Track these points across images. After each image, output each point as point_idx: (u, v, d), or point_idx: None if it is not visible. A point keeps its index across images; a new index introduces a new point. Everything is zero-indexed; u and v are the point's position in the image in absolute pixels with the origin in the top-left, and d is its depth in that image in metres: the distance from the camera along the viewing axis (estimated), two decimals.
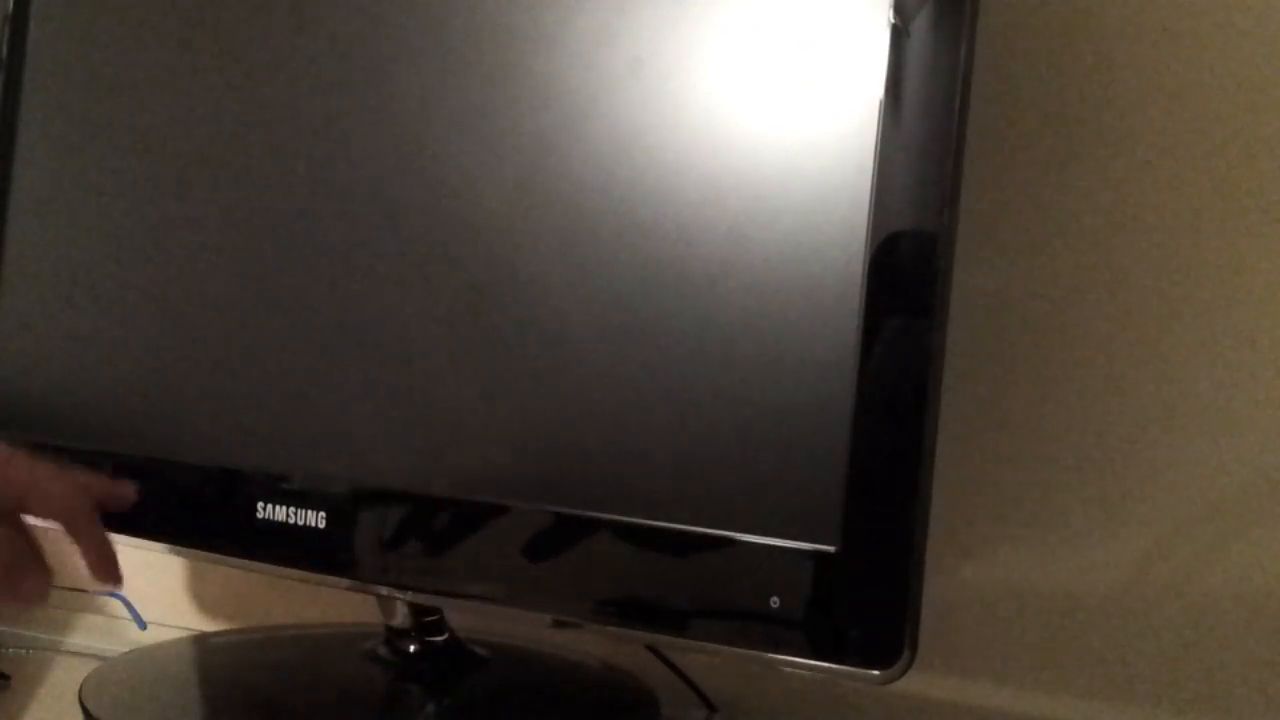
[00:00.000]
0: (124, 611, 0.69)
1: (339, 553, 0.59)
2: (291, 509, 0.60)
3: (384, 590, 0.59)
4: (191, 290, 0.64)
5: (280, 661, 0.68)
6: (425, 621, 0.63)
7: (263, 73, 0.63)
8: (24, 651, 0.74)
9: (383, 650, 0.64)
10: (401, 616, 0.63)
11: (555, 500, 0.54)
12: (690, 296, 0.51)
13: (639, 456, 0.52)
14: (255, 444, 0.62)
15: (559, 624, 0.55)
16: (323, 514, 0.59)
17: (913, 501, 0.47)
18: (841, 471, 0.48)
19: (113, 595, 0.73)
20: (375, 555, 0.59)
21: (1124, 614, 0.62)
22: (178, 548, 0.64)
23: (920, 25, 0.48)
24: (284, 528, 0.60)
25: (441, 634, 0.64)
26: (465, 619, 0.65)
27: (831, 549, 0.48)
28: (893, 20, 0.48)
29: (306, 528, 0.59)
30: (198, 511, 0.61)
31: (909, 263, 0.48)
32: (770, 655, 0.49)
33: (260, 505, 0.60)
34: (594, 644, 0.70)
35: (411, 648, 0.63)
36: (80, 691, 0.59)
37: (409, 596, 0.60)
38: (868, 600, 0.48)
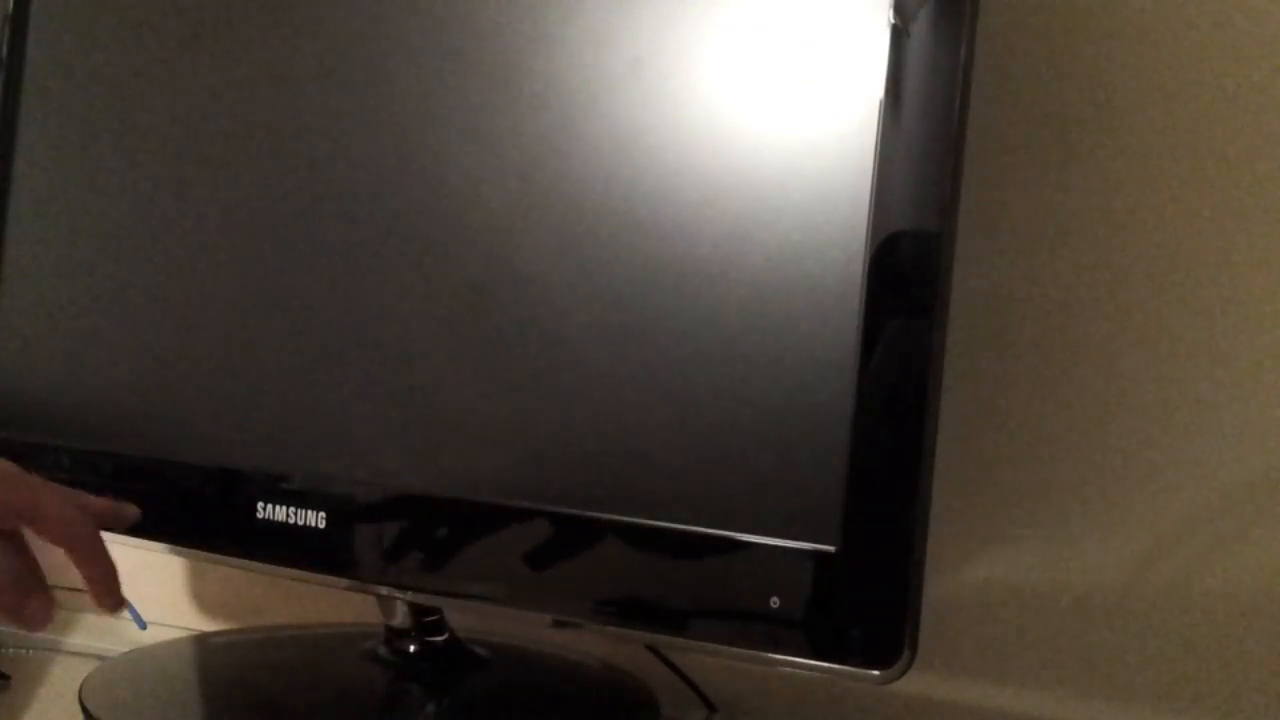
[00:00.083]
0: (124, 611, 0.69)
1: (339, 553, 0.59)
2: (291, 509, 0.60)
3: (384, 590, 0.59)
4: (192, 290, 0.64)
5: (280, 661, 0.68)
6: (425, 621, 0.63)
7: (263, 72, 0.63)
8: (24, 651, 0.74)
9: (383, 650, 0.64)
10: (401, 616, 0.63)
11: (555, 500, 0.54)
12: (690, 296, 0.51)
13: (639, 456, 0.52)
14: (255, 444, 0.62)
15: (559, 624, 0.55)
16: (323, 514, 0.59)
17: (913, 501, 0.47)
18: (841, 471, 0.48)
19: None
20: (375, 555, 0.59)
21: (1124, 614, 0.62)
22: (178, 548, 0.64)
23: (920, 25, 0.48)
24: (284, 528, 0.60)
25: (441, 634, 0.64)
26: (465, 619, 0.65)
27: (831, 549, 0.48)
28: (893, 20, 0.48)
29: (306, 528, 0.59)
30: (198, 511, 0.61)
31: (909, 263, 0.48)
32: (770, 655, 0.49)
33: (260, 505, 0.60)
34: (594, 644, 0.70)
35: (411, 648, 0.63)
36: (80, 691, 0.59)
37: (409, 596, 0.60)
38: (868, 600, 0.48)
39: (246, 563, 0.62)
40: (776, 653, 0.49)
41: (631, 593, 0.52)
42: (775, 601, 0.48)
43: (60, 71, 0.71)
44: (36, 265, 0.70)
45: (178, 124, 0.65)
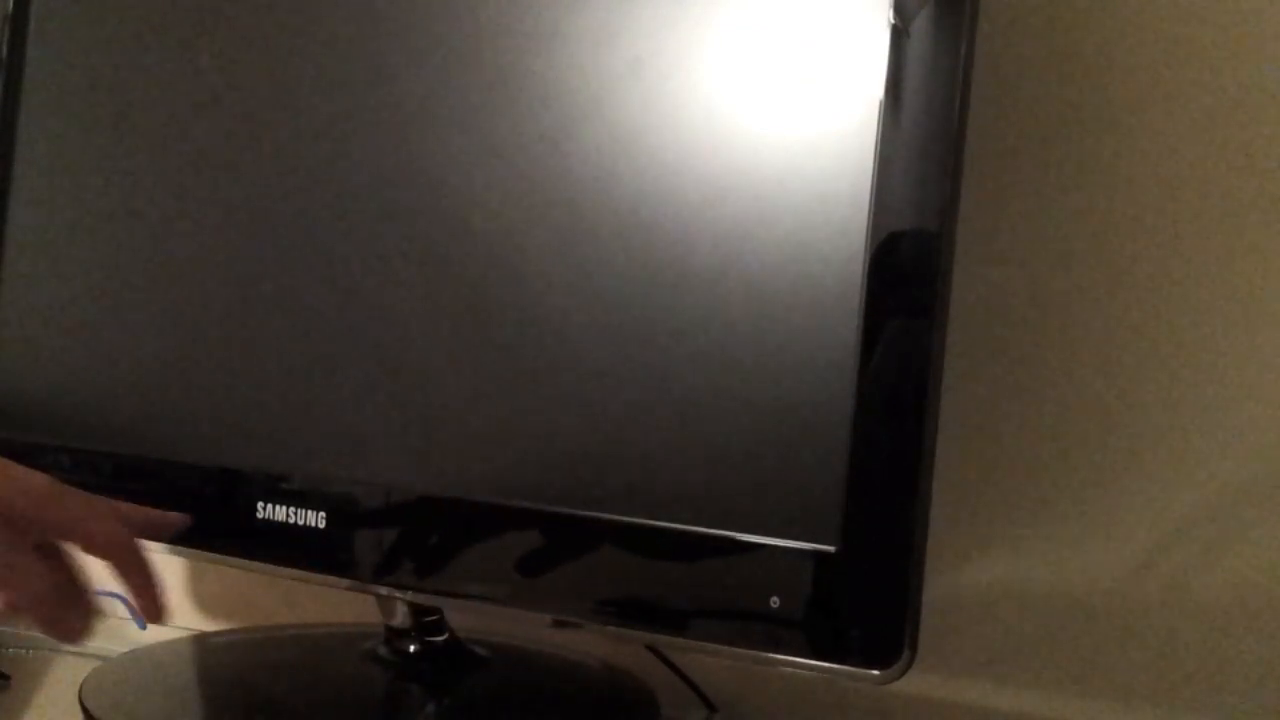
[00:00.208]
0: (124, 611, 0.69)
1: (339, 553, 0.59)
2: (291, 509, 0.60)
3: (384, 590, 0.59)
4: (192, 290, 0.64)
5: (280, 661, 0.68)
6: (425, 621, 0.63)
7: (263, 72, 0.63)
8: (24, 651, 0.74)
9: (383, 650, 0.64)
10: (401, 616, 0.63)
11: (555, 500, 0.54)
12: (690, 297, 0.51)
13: (639, 457, 0.52)
14: (255, 444, 0.62)
15: (559, 624, 0.55)
16: (323, 514, 0.59)
17: (913, 501, 0.47)
18: (841, 471, 0.48)
19: (112, 595, 0.73)
20: (375, 555, 0.59)
21: (1124, 614, 0.62)
22: (177, 548, 0.64)
23: (920, 25, 0.48)
24: (284, 528, 0.60)
25: (441, 634, 0.64)
26: (465, 619, 0.65)
27: (831, 549, 0.48)
28: (893, 20, 0.48)
29: (306, 528, 0.59)
30: (198, 511, 0.61)
31: (909, 263, 0.48)
32: (770, 655, 0.49)
33: (260, 505, 0.60)
34: (594, 644, 0.70)
35: (411, 648, 0.63)
36: (80, 691, 0.59)
37: (409, 596, 0.60)
38: (868, 600, 0.48)
39: (246, 563, 0.62)
40: (776, 653, 0.49)
41: (631, 593, 0.52)
42: (775, 601, 0.48)
43: (60, 71, 0.71)
44: (36, 265, 0.70)
45: (177, 124, 0.65)
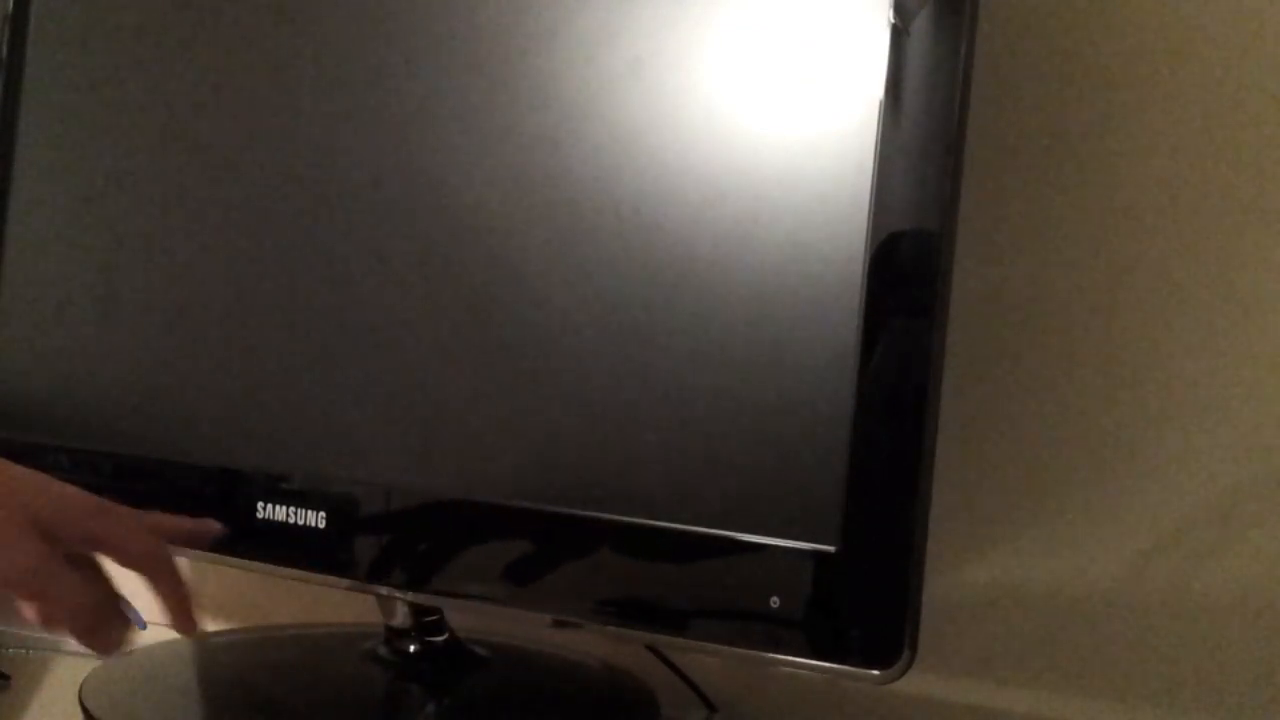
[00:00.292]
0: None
1: (339, 553, 0.59)
2: (291, 509, 0.60)
3: (384, 590, 0.59)
4: (192, 290, 0.64)
5: (280, 661, 0.68)
6: (425, 621, 0.63)
7: (262, 72, 0.63)
8: (24, 651, 0.74)
9: (383, 650, 0.64)
10: (401, 616, 0.63)
11: (555, 500, 0.54)
12: (690, 296, 0.51)
13: (639, 456, 0.52)
14: (255, 444, 0.62)
15: (559, 624, 0.55)
16: (323, 514, 0.59)
17: (913, 501, 0.47)
18: (841, 471, 0.48)
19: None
20: (375, 555, 0.59)
21: (1124, 614, 0.62)
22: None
23: (920, 25, 0.48)
24: (284, 528, 0.60)
25: (441, 634, 0.64)
26: (465, 619, 0.65)
27: (831, 549, 0.48)
28: (893, 20, 0.48)
29: (306, 528, 0.59)
30: (198, 511, 0.61)
31: (909, 263, 0.48)
32: (770, 655, 0.49)
33: (260, 505, 0.60)
34: (594, 644, 0.70)
35: (411, 648, 0.63)
36: (80, 691, 0.59)
37: (409, 596, 0.60)
38: (868, 600, 0.48)
39: (246, 563, 0.62)
40: (776, 653, 0.49)
41: (631, 593, 0.52)
42: (775, 601, 0.48)
43: (60, 71, 0.71)
44: (36, 265, 0.70)
45: (177, 124, 0.65)
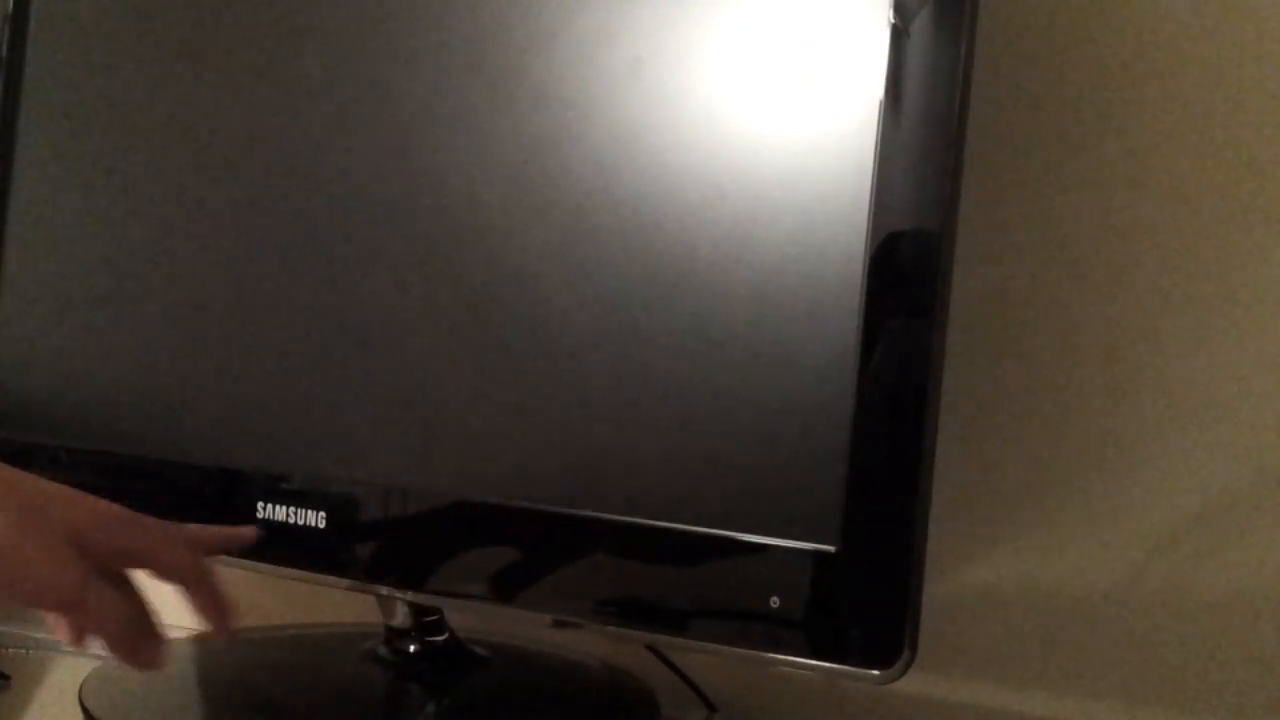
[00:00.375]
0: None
1: (339, 553, 0.59)
2: (291, 509, 0.60)
3: (384, 590, 0.59)
4: (191, 290, 0.64)
5: (280, 661, 0.68)
6: (425, 621, 0.63)
7: (262, 72, 0.63)
8: (24, 651, 0.74)
9: (383, 650, 0.64)
10: (401, 616, 0.63)
11: (555, 500, 0.54)
12: (690, 296, 0.51)
13: (639, 456, 0.52)
14: (255, 444, 0.62)
15: (559, 624, 0.55)
16: (323, 514, 0.59)
17: (913, 501, 0.47)
18: (841, 471, 0.48)
19: None
20: (375, 555, 0.59)
21: (1124, 614, 0.62)
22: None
23: (920, 25, 0.48)
24: (284, 528, 0.60)
25: (441, 634, 0.64)
26: (465, 619, 0.65)
27: (831, 549, 0.48)
28: (893, 20, 0.48)
29: (306, 528, 0.59)
30: (198, 511, 0.61)
31: (909, 263, 0.48)
32: (770, 655, 0.49)
33: (260, 505, 0.60)
34: (594, 644, 0.70)
35: (411, 648, 0.63)
36: (80, 691, 0.59)
37: (409, 596, 0.60)
38: (868, 600, 0.48)
39: (246, 563, 0.62)
40: (776, 653, 0.49)
41: (631, 593, 0.52)
42: (775, 601, 0.48)
43: (60, 71, 0.71)
44: (36, 265, 0.70)
45: (177, 124, 0.65)
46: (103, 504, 0.52)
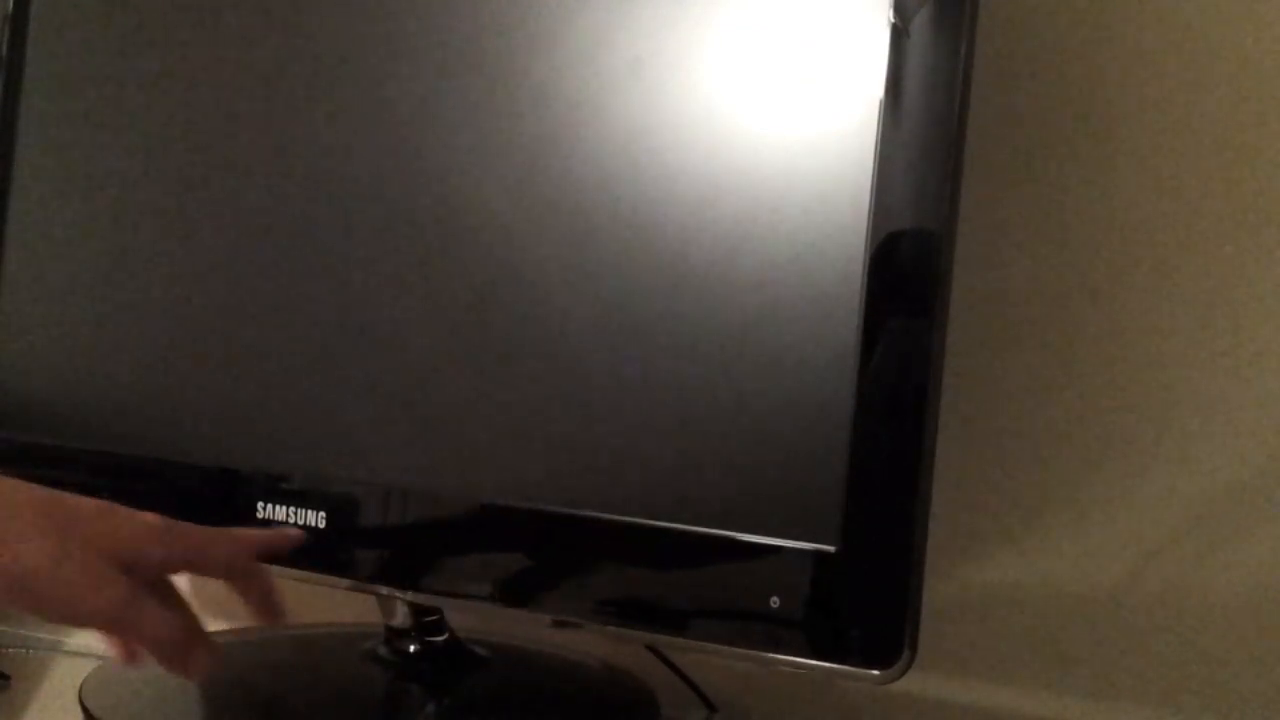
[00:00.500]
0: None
1: (339, 553, 0.59)
2: (291, 509, 0.60)
3: (384, 590, 0.59)
4: (192, 290, 0.64)
5: (280, 661, 0.68)
6: (425, 621, 0.63)
7: (263, 73, 0.63)
8: (24, 651, 0.74)
9: (383, 650, 0.64)
10: (401, 616, 0.63)
11: (555, 500, 0.54)
12: (690, 296, 0.51)
13: (639, 456, 0.52)
14: (255, 444, 0.62)
15: (559, 624, 0.55)
16: (323, 514, 0.59)
17: (913, 501, 0.47)
18: (841, 471, 0.48)
19: None
20: (375, 555, 0.59)
21: (1124, 614, 0.62)
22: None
23: (920, 25, 0.48)
24: (284, 528, 0.60)
25: (441, 634, 0.64)
26: (465, 619, 0.65)
27: (831, 549, 0.48)
28: (893, 20, 0.48)
29: (306, 528, 0.59)
30: (198, 511, 0.61)
31: (909, 263, 0.48)
32: (770, 655, 0.49)
33: (260, 505, 0.60)
34: (594, 644, 0.70)
35: (411, 648, 0.63)
36: (80, 691, 0.59)
37: (409, 596, 0.60)
38: (868, 600, 0.48)
39: None
40: (776, 653, 0.49)
41: (631, 593, 0.52)
42: (775, 601, 0.48)
43: (60, 71, 0.71)
44: (37, 265, 0.70)
45: (177, 124, 0.65)
46: (140, 516, 0.51)
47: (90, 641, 0.76)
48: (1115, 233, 0.63)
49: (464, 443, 0.56)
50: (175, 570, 0.53)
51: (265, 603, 0.55)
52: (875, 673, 0.47)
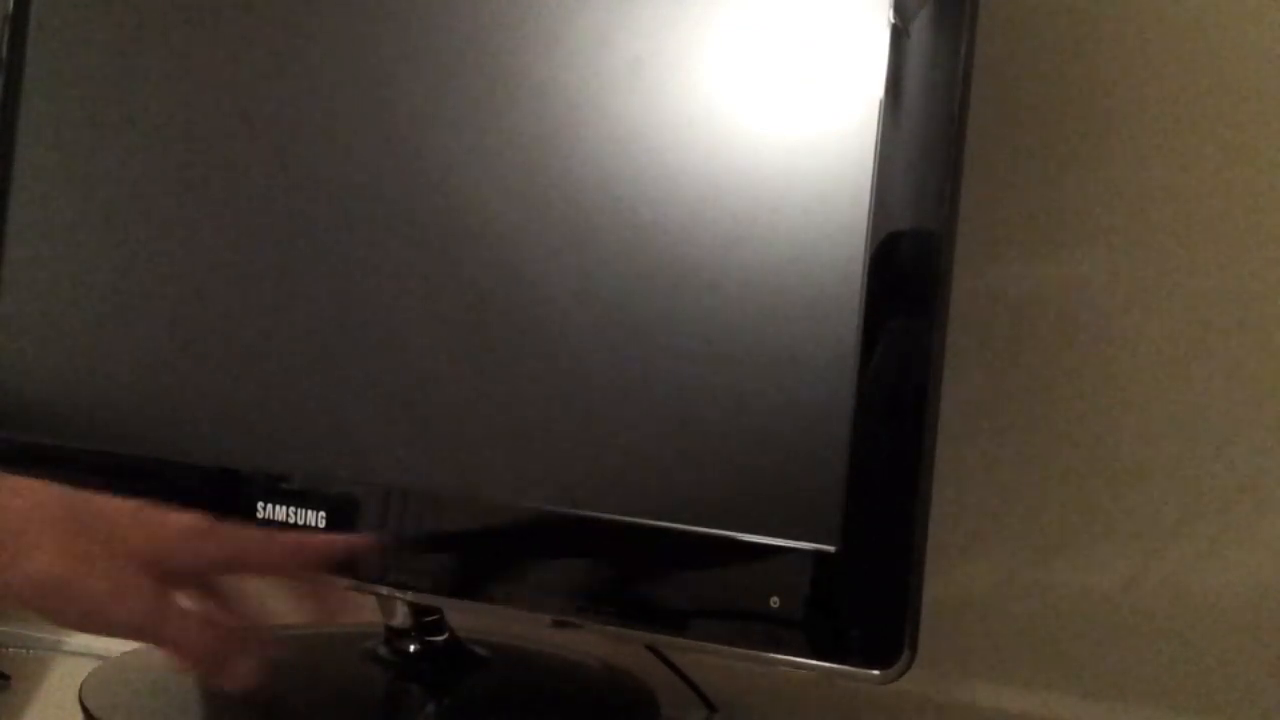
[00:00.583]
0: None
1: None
2: (291, 509, 0.60)
3: (384, 590, 0.59)
4: (192, 290, 0.64)
5: (280, 661, 0.68)
6: (425, 621, 0.63)
7: (262, 73, 0.63)
8: (24, 651, 0.74)
9: (383, 650, 0.64)
10: (401, 616, 0.63)
11: (555, 500, 0.54)
12: (690, 297, 0.51)
13: (639, 456, 0.52)
14: (255, 444, 0.62)
15: (559, 624, 0.55)
16: (323, 514, 0.59)
17: (913, 501, 0.47)
18: (841, 471, 0.48)
19: None
20: (375, 555, 0.59)
21: (1124, 614, 0.62)
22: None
23: (920, 25, 0.48)
24: (284, 528, 0.60)
25: (441, 634, 0.64)
26: (465, 619, 0.65)
27: (831, 549, 0.48)
28: (893, 20, 0.48)
29: (306, 528, 0.59)
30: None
31: (909, 263, 0.48)
32: (770, 655, 0.49)
33: (260, 505, 0.60)
34: (594, 644, 0.70)
35: (411, 648, 0.63)
36: (80, 691, 0.59)
37: (409, 596, 0.60)
38: (868, 600, 0.48)
39: None
40: (776, 653, 0.49)
41: (632, 593, 0.52)
42: (775, 601, 0.48)
43: (60, 71, 0.71)
44: (37, 265, 0.70)
45: (177, 124, 0.65)
46: (176, 517, 0.49)
47: (90, 641, 0.76)
48: (1115, 233, 0.63)
49: (464, 443, 0.56)
50: (219, 573, 0.51)
51: (327, 602, 0.54)
52: (875, 673, 0.47)
